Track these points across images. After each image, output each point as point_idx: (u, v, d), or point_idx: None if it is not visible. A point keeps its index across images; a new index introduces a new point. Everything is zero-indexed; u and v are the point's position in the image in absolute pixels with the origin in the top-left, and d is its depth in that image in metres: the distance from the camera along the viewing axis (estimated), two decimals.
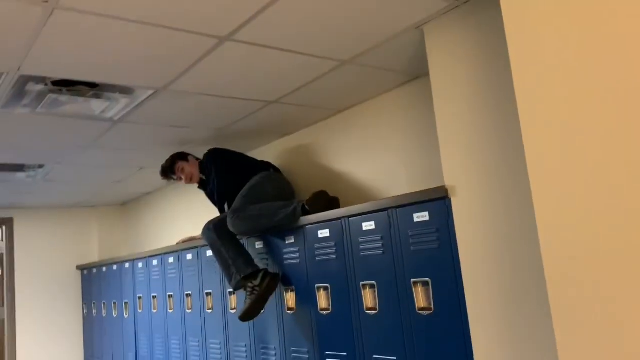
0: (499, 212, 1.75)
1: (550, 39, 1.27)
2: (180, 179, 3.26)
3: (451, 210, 1.87)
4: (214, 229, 2.88)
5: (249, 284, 2.66)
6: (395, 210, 2.10)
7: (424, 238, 1.98)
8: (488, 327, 1.76)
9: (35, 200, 4.90)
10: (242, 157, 3.23)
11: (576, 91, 1.23)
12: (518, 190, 1.69)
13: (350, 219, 2.30)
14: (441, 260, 1.92)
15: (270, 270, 2.73)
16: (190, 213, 4.52)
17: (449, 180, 1.89)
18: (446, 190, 1.89)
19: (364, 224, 2.23)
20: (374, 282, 2.17)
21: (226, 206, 3.04)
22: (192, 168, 3.23)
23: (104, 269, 4.79)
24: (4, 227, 5.14)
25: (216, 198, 3.11)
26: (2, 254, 5.15)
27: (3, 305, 5.05)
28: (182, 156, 3.27)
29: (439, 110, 1.96)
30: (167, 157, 3.35)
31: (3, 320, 5.06)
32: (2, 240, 5.17)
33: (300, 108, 2.85)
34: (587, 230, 1.20)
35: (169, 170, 3.26)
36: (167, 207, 4.91)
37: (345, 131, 2.99)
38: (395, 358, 2.06)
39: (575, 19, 1.23)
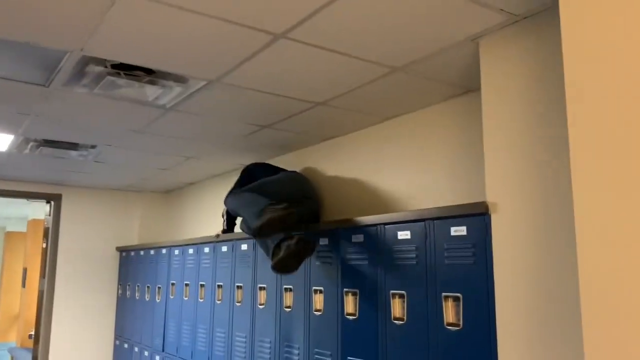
0: (540, 234, 1.71)
1: (608, 62, 1.23)
2: None
3: (490, 227, 1.84)
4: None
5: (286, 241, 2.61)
6: (433, 222, 2.08)
7: (460, 252, 1.95)
8: (517, 350, 1.72)
9: (84, 180, 5.08)
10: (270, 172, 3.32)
11: (632, 120, 1.19)
12: (561, 215, 1.65)
13: (386, 226, 2.29)
14: (475, 277, 1.89)
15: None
16: None
17: (491, 196, 1.86)
18: (487, 206, 1.85)
19: (399, 233, 2.22)
20: (404, 292, 2.15)
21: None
22: None
23: (142, 252, 4.92)
24: (52, 203, 5.35)
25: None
26: (48, 228, 5.36)
27: (44, 277, 5.25)
28: None
29: (487, 126, 1.93)
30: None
31: (42, 292, 5.26)
32: (50, 214, 5.38)
33: (347, 112, 2.86)
34: (634, 263, 1.16)
35: None
36: (209, 199, 5.01)
37: (389, 140, 2.98)
38: None
39: (631, 42, 1.19)
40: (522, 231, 1.75)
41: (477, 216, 1.89)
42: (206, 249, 3.81)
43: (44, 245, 5.39)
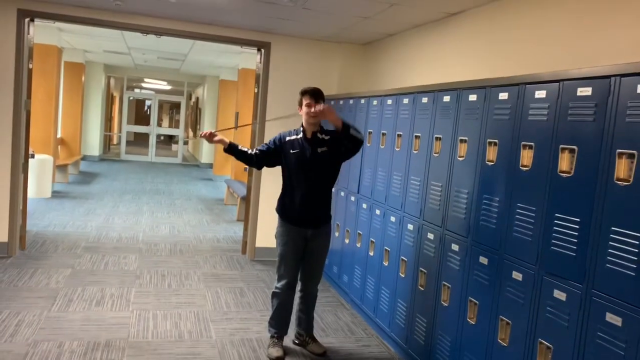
0: None
1: None
2: (313, 109, 3.41)
3: None
4: None
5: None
6: (619, 79, 1.78)
7: None
8: None
9: (291, 28, 5.30)
10: None
11: None
12: None
13: (622, 78, 1.99)
14: None
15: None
16: (428, 59, 4.46)
17: None
18: None
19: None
20: (634, 152, 1.92)
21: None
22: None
23: (341, 101, 5.11)
24: (262, 51, 5.72)
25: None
26: (259, 74, 5.80)
27: (256, 119, 5.83)
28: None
29: None
30: None
31: (255, 131, 5.87)
32: (260, 62, 5.79)
33: None
34: None
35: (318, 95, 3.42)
36: (408, 50, 4.91)
37: None
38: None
39: None
40: None
41: None
42: (405, 100, 3.80)
43: (256, 91, 5.89)
